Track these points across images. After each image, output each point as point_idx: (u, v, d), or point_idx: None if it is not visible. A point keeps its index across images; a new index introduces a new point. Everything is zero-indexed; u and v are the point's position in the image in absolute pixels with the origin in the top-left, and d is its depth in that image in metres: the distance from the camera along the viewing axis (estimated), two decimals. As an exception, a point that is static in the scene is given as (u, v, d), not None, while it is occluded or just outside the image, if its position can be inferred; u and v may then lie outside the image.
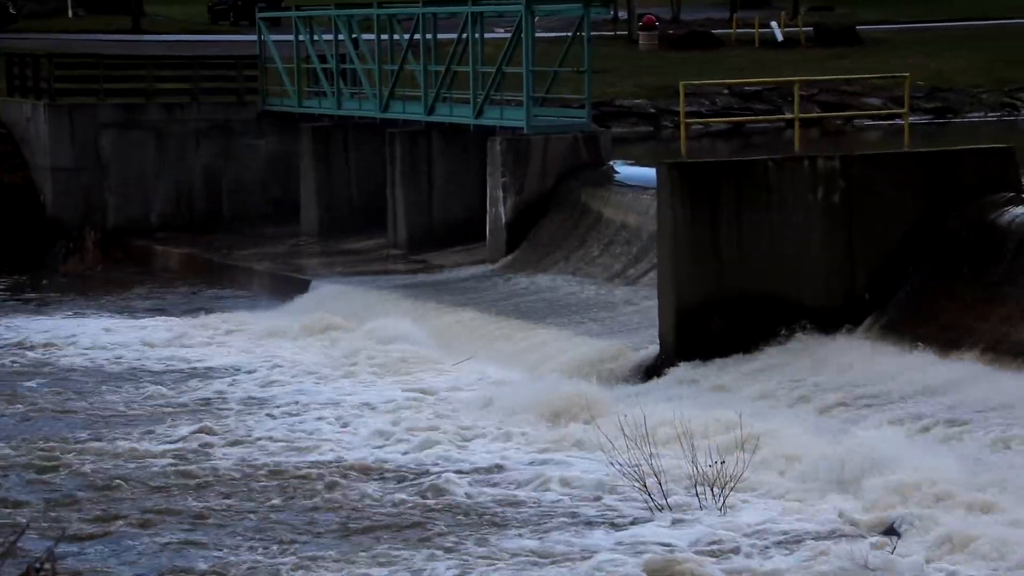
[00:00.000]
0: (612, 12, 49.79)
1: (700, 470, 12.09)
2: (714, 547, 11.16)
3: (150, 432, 15.14)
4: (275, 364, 18.40)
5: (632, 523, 11.81)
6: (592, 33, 23.16)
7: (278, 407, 16.17)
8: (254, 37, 30.56)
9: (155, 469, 13.77)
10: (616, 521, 11.90)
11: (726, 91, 35.94)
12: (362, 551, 11.34)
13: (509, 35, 24.02)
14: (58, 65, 28.62)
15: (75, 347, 19.89)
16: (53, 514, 12.26)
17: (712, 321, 16.16)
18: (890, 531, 11.14)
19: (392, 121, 25.49)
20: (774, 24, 46.87)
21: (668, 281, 16.37)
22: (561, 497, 12.59)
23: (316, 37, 28.22)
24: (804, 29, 46.48)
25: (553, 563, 10.98)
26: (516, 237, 22.36)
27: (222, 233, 27.57)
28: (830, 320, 16.25)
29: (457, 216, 24.04)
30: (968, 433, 13.27)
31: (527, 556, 11.12)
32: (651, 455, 12.30)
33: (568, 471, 13.29)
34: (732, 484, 12.00)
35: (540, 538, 11.53)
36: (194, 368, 18.44)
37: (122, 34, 48.72)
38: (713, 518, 11.75)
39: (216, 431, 15.06)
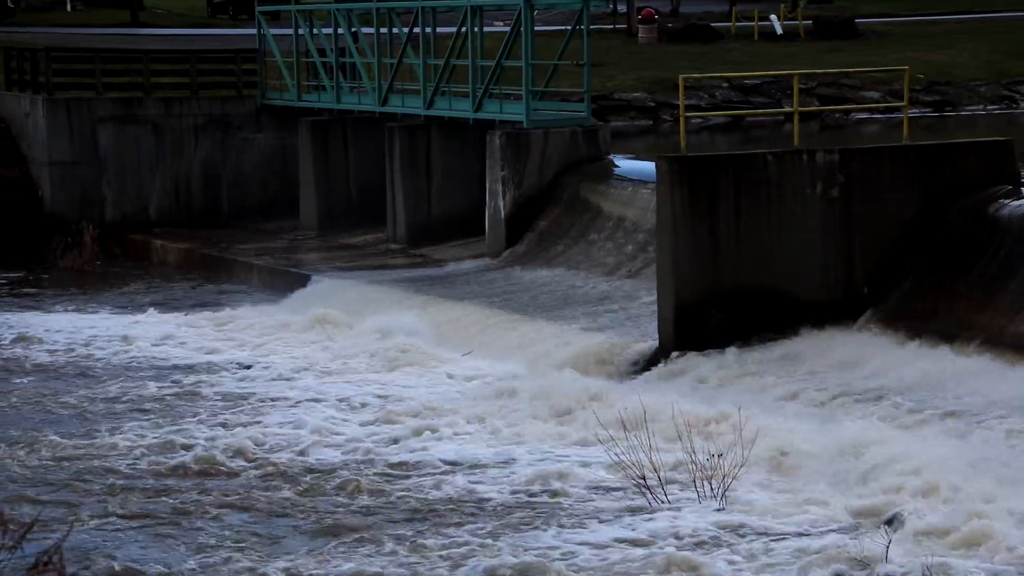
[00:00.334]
0: (611, 5, 49.74)
1: (699, 463, 12.09)
2: (712, 540, 11.17)
3: (152, 427, 15.14)
4: (274, 359, 18.39)
5: (631, 516, 11.81)
6: (591, 26, 23.15)
7: (277, 402, 16.16)
8: (253, 31, 30.53)
9: (156, 464, 13.76)
10: (615, 514, 11.90)
11: (725, 84, 35.93)
12: (360, 547, 11.34)
13: (508, 29, 24.00)
14: (56, 59, 28.59)
15: (74, 342, 19.88)
16: (59, 509, 12.25)
17: (711, 315, 16.16)
18: (888, 523, 11.15)
19: (391, 115, 25.48)
20: (773, 17, 46.85)
21: (667, 275, 16.37)
22: (560, 490, 12.59)
23: (315, 31, 28.20)
24: (803, 22, 46.45)
25: (550, 556, 10.97)
26: (516, 231, 22.36)
27: (220, 228, 27.55)
28: (829, 314, 16.25)
29: (456, 210, 24.04)
30: (967, 426, 13.28)
31: (523, 549, 11.12)
32: (650, 448, 12.30)
33: (567, 464, 13.29)
34: (731, 477, 12.00)
35: (538, 531, 11.53)
36: (193, 363, 18.42)
37: (121, 28, 48.68)
38: (711, 511, 11.76)
39: (216, 426, 15.05)
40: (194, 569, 10.91)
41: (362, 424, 15.04)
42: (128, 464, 13.73)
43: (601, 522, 11.74)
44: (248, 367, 17.96)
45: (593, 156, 22.79)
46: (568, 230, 21.76)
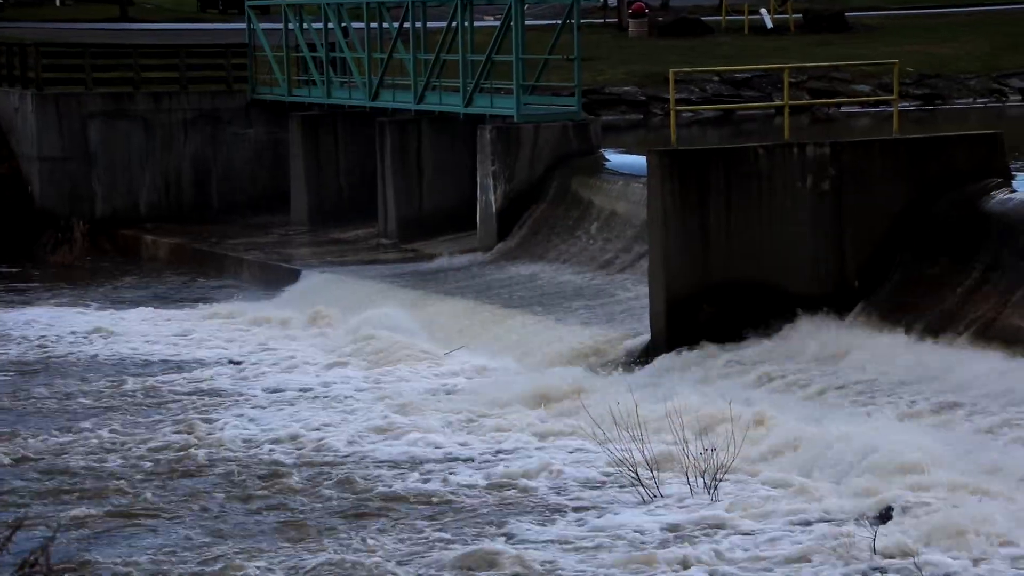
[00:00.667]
0: (601, 0, 49.69)
1: (691, 457, 12.11)
2: (704, 533, 11.18)
3: (140, 424, 15.13)
4: (265, 354, 18.38)
5: (623, 510, 11.82)
6: (582, 21, 23.13)
7: (268, 397, 16.16)
8: (243, 25, 30.47)
9: (146, 461, 13.75)
10: (608, 508, 11.91)
11: (716, 78, 35.93)
12: (356, 541, 11.33)
13: (498, 23, 23.98)
14: (45, 54, 28.51)
15: (64, 338, 19.85)
16: (46, 508, 12.22)
17: (702, 308, 16.17)
18: (881, 516, 11.17)
19: (382, 110, 25.45)
20: (763, 11, 46.85)
21: (658, 269, 16.37)
22: (553, 485, 12.60)
23: (305, 25, 28.15)
24: (793, 16, 46.45)
25: (545, 551, 10.98)
26: (506, 225, 22.35)
27: (211, 223, 27.52)
28: (820, 307, 16.27)
29: (447, 205, 24.02)
30: (958, 418, 13.32)
31: (519, 543, 11.13)
32: (642, 443, 12.31)
33: (560, 459, 13.30)
34: (723, 471, 12.02)
35: (533, 526, 11.53)
36: (183, 358, 18.41)
37: (110, 23, 48.55)
38: (704, 505, 11.77)
39: (205, 422, 15.04)
40: (182, 566, 10.90)
41: (351, 419, 15.03)
42: (114, 461, 13.70)
43: (592, 516, 11.74)
44: (238, 363, 17.94)
45: (584, 150, 22.78)
46: (559, 224, 21.76)
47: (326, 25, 27.09)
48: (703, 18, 46.58)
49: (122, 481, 13.06)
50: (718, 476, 11.99)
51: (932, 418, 13.40)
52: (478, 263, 21.89)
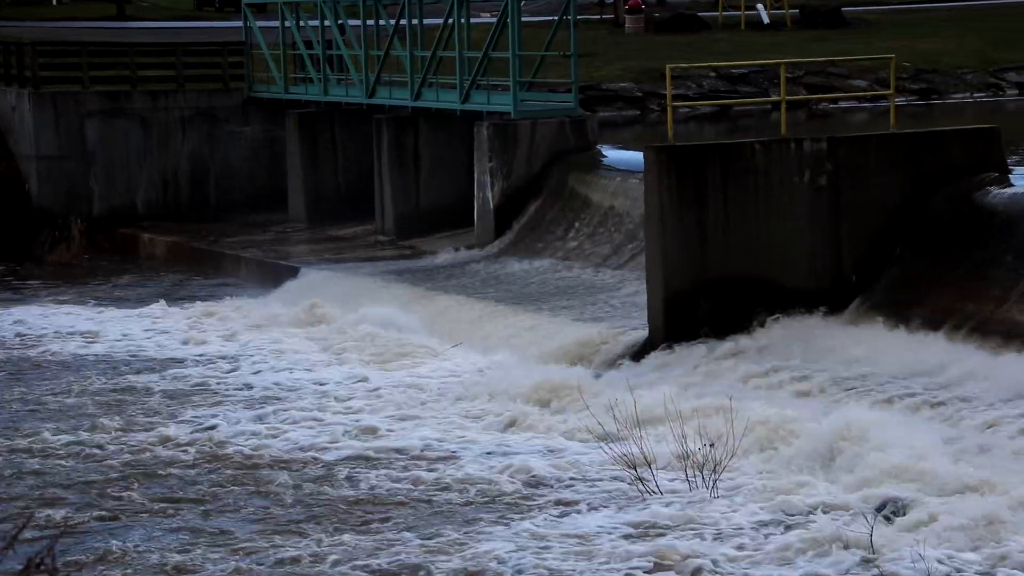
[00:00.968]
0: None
1: (690, 453, 12.12)
2: (704, 529, 11.19)
3: (137, 422, 15.13)
4: (263, 351, 18.38)
5: (622, 506, 11.83)
6: (578, 17, 23.13)
7: (266, 394, 16.16)
8: (240, 23, 30.46)
9: (144, 459, 13.76)
10: (606, 505, 11.92)
11: (713, 74, 35.91)
12: (354, 538, 11.34)
13: (495, 20, 23.97)
14: (42, 53, 28.50)
15: (62, 337, 19.85)
16: (51, 508, 12.22)
17: (700, 304, 16.18)
18: (878, 511, 11.18)
19: (379, 107, 25.45)
20: (760, 6, 46.83)
21: (656, 265, 16.38)
22: (551, 481, 12.61)
23: (302, 23, 28.14)
24: (790, 11, 46.43)
25: (543, 547, 10.99)
26: (504, 222, 22.36)
27: (208, 221, 27.51)
28: (817, 302, 16.28)
29: (445, 201, 24.03)
30: (955, 413, 13.33)
31: (516, 539, 11.14)
32: (641, 439, 12.32)
33: (558, 455, 13.31)
34: (722, 466, 12.03)
35: (531, 521, 11.55)
36: (181, 356, 18.41)
37: (107, 21, 48.51)
38: (703, 500, 11.78)
39: (202, 420, 15.05)
40: (189, 563, 10.91)
41: (350, 415, 15.05)
42: (112, 460, 13.70)
43: (591, 511, 11.76)
44: (236, 359, 17.94)
45: (581, 146, 22.79)
46: (556, 220, 21.77)
47: (323, 22, 27.08)
48: (699, 14, 46.54)
49: (120, 480, 13.06)
50: (717, 471, 12.00)
51: (930, 413, 13.41)
52: (475, 259, 21.90)
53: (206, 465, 13.49)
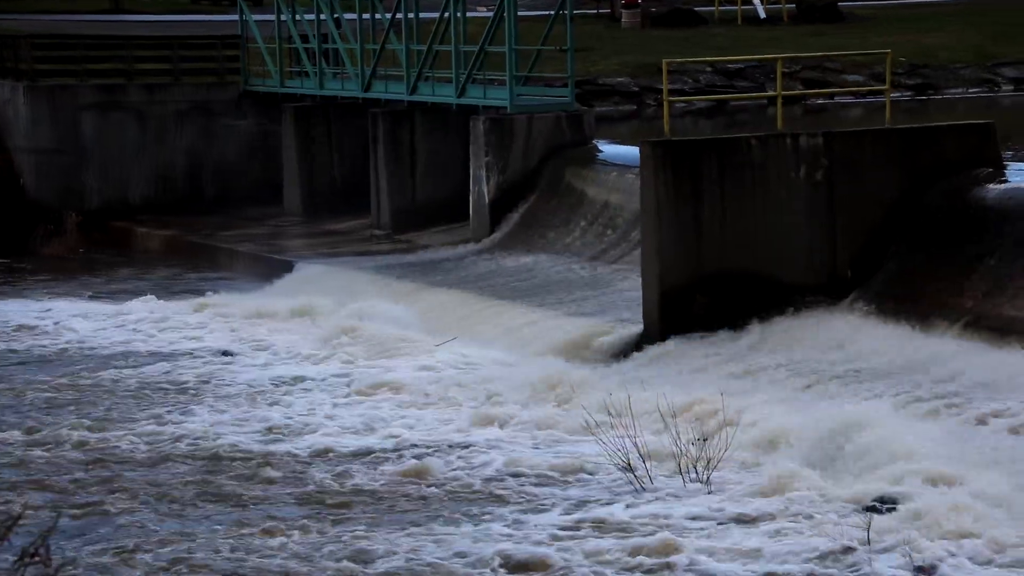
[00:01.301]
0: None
1: (684, 448, 12.12)
2: (698, 525, 11.20)
3: (131, 415, 15.12)
4: (258, 346, 18.37)
5: (616, 502, 11.83)
6: (574, 11, 23.13)
7: (261, 389, 16.16)
8: (235, 17, 30.43)
9: (140, 453, 13.75)
10: (600, 500, 11.92)
11: (709, 69, 35.92)
12: (343, 533, 11.34)
13: (491, 14, 23.96)
14: (37, 46, 28.47)
15: (57, 330, 19.84)
16: (44, 500, 12.22)
17: (696, 299, 16.18)
18: (873, 507, 11.19)
19: (374, 101, 25.43)
20: (756, 1, 46.82)
21: (652, 259, 16.38)
22: (545, 477, 12.61)
23: (298, 17, 28.12)
24: (786, 6, 46.43)
25: (537, 543, 11.00)
26: (500, 216, 22.36)
27: (204, 214, 27.49)
28: (813, 297, 16.29)
29: (440, 196, 24.02)
30: (950, 408, 13.34)
31: (510, 535, 11.14)
32: (635, 434, 12.32)
33: (552, 451, 13.32)
34: (716, 462, 12.04)
35: (524, 517, 11.55)
36: (176, 350, 18.39)
37: (103, 14, 48.44)
38: (697, 496, 11.79)
39: (195, 413, 15.04)
40: (182, 557, 10.92)
41: (344, 410, 15.04)
42: (107, 453, 13.69)
43: (584, 506, 11.76)
44: (230, 354, 17.94)
45: (577, 141, 22.79)
46: (552, 215, 21.77)
47: (318, 16, 27.06)
48: (696, 8, 46.54)
49: (114, 473, 13.05)
50: (711, 466, 12.01)
51: (925, 408, 13.42)
52: (471, 254, 21.90)
53: (196, 459, 13.47)
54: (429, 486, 12.47)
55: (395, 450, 13.58)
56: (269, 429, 14.39)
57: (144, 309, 21.03)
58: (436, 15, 24.56)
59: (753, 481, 12.10)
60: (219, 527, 11.54)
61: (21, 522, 9.67)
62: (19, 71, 28.26)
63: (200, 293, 21.95)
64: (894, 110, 17.92)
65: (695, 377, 14.94)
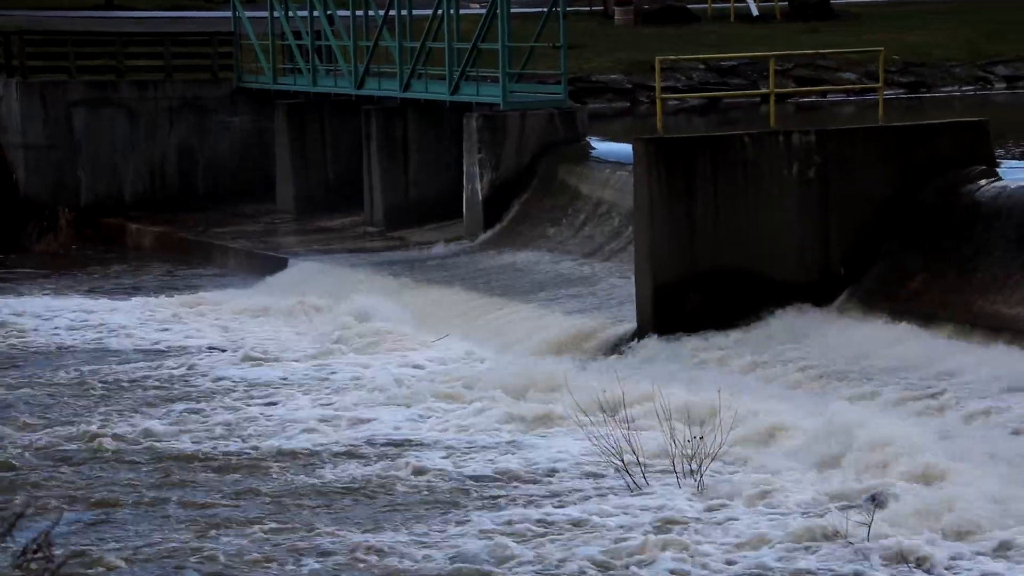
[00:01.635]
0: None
1: (678, 446, 12.12)
2: (691, 521, 11.21)
3: (124, 411, 15.10)
4: (251, 343, 18.35)
5: (610, 499, 11.84)
6: (567, 8, 23.11)
7: (254, 386, 16.14)
8: (228, 14, 30.38)
9: (135, 448, 13.73)
10: (594, 498, 11.93)
11: (702, 66, 35.91)
12: (334, 529, 11.34)
13: (484, 11, 23.94)
14: (29, 42, 28.39)
15: (49, 327, 19.80)
16: (43, 497, 12.20)
17: (689, 296, 16.19)
18: (867, 504, 11.20)
19: (368, 98, 25.41)
20: (749, -1, 46.79)
21: (644, 257, 16.39)
22: (538, 473, 12.61)
23: (291, 13, 28.08)
24: (779, 4, 46.44)
25: (530, 540, 11.00)
26: (493, 214, 22.35)
27: (197, 211, 27.45)
28: (806, 295, 16.30)
29: (434, 193, 24.01)
30: (943, 406, 13.36)
31: (503, 532, 11.14)
32: (629, 430, 12.32)
33: (546, 448, 13.32)
34: (710, 458, 12.04)
35: (518, 515, 11.55)
36: (168, 347, 18.37)
37: (95, 10, 48.34)
38: (691, 493, 11.80)
39: (189, 410, 15.03)
40: (183, 551, 10.91)
41: (335, 407, 15.04)
42: (104, 449, 13.68)
43: (577, 504, 11.76)
44: (222, 350, 17.92)
45: (570, 138, 22.78)
46: (546, 212, 21.77)
47: (311, 13, 27.03)
48: (689, 6, 46.54)
49: (111, 470, 13.04)
50: (705, 464, 12.01)
51: (918, 405, 13.44)
52: (464, 251, 21.89)
53: (190, 456, 13.45)
54: (416, 483, 12.46)
55: (384, 447, 13.57)
56: (261, 427, 14.37)
57: (135, 305, 21.01)
58: (429, 12, 24.54)
59: (747, 478, 12.11)
60: (181, 524, 11.53)
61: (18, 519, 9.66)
62: (11, 67, 28.18)
63: (193, 289, 21.93)
64: (887, 108, 17.92)
65: (688, 374, 14.95)
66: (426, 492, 12.26)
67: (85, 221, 27.25)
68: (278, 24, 28.17)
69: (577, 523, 11.29)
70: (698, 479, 11.96)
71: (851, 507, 11.15)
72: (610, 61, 37.10)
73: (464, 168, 22.78)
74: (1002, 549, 10.38)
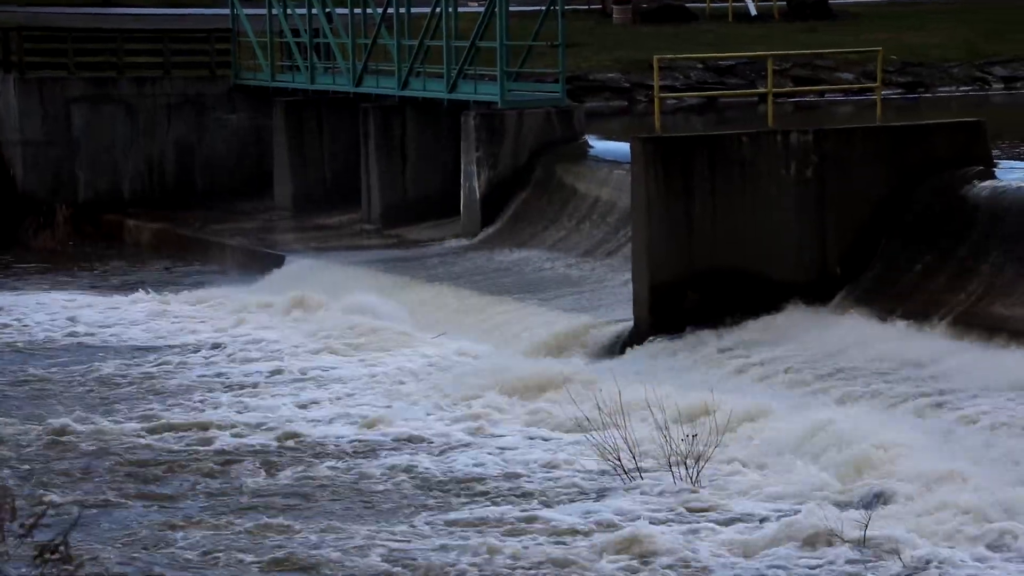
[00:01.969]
0: (586, -14, 49.52)
1: (674, 445, 12.14)
2: (686, 520, 11.22)
3: (122, 409, 15.11)
4: (248, 340, 18.36)
5: (606, 497, 11.85)
6: (566, 7, 23.13)
7: (251, 383, 16.15)
8: (226, 11, 30.37)
9: (135, 445, 13.74)
10: (590, 495, 11.94)
11: (700, 65, 35.93)
12: (327, 527, 11.35)
13: (483, 9, 23.95)
14: (28, 38, 28.38)
15: (48, 323, 19.80)
16: (59, 497, 12.20)
17: (686, 295, 16.21)
18: (862, 504, 11.22)
19: (366, 96, 25.41)
20: (747, -2, 46.81)
21: (642, 256, 16.40)
22: (535, 472, 12.63)
23: (289, 11, 28.08)
24: (777, 3, 46.45)
25: (525, 537, 11.02)
26: (490, 212, 22.36)
27: (194, 208, 27.45)
28: (803, 294, 16.32)
29: (431, 191, 24.02)
30: (939, 406, 13.36)
31: (498, 530, 11.16)
32: (625, 429, 12.34)
33: (542, 446, 13.33)
34: (705, 458, 12.06)
35: (513, 512, 11.57)
36: (167, 344, 18.38)
37: (94, 7, 48.30)
38: (686, 492, 11.81)
39: (185, 406, 15.04)
40: (187, 551, 10.93)
41: (332, 404, 15.05)
42: (104, 447, 13.69)
43: (573, 502, 11.78)
44: (221, 347, 17.92)
45: (568, 137, 22.79)
46: (543, 211, 21.78)
47: (310, 10, 27.03)
48: (687, 5, 46.55)
49: (110, 468, 13.05)
50: (701, 463, 12.03)
51: (914, 405, 13.45)
52: (461, 249, 21.91)
53: (179, 452, 13.45)
54: (411, 482, 12.47)
55: (381, 445, 13.57)
56: (257, 424, 14.38)
57: (132, 302, 21.02)
58: (428, 10, 24.55)
59: (742, 477, 12.13)
60: (229, 520, 11.54)
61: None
62: (9, 63, 28.16)
63: (190, 286, 21.94)
64: (885, 108, 17.95)
65: (685, 374, 14.96)
66: (418, 490, 12.27)
67: (83, 218, 27.24)
68: (276, 21, 28.17)
69: (571, 521, 11.29)
70: (694, 478, 11.98)
71: (847, 507, 11.17)
72: (608, 60, 37.11)
73: (462, 166, 22.78)
74: (998, 550, 10.39)
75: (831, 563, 10.33)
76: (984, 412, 13.06)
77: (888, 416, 12.98)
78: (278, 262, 22.21)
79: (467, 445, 13.49)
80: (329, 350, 17.55)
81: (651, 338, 16.02)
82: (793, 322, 15.97)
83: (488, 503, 11.87)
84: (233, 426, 14.27)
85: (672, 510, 11.44)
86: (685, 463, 12.05)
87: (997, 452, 12.03)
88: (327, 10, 27.04)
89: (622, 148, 19.42)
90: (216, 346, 18.04)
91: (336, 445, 13.65)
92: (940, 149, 16.91)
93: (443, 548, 10.76)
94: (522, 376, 15.14)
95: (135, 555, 10.68)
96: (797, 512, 11.20)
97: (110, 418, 14.64)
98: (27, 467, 13.05)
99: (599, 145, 22.81)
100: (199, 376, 16.58)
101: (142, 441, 13.84)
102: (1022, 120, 30.37)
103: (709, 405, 13.03)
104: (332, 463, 13.05)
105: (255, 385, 16.03)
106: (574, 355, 16.10)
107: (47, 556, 6.35)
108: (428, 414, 14.55)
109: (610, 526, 11.13)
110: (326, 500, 12.09)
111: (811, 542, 10.63)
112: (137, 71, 28.50)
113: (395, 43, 24.75)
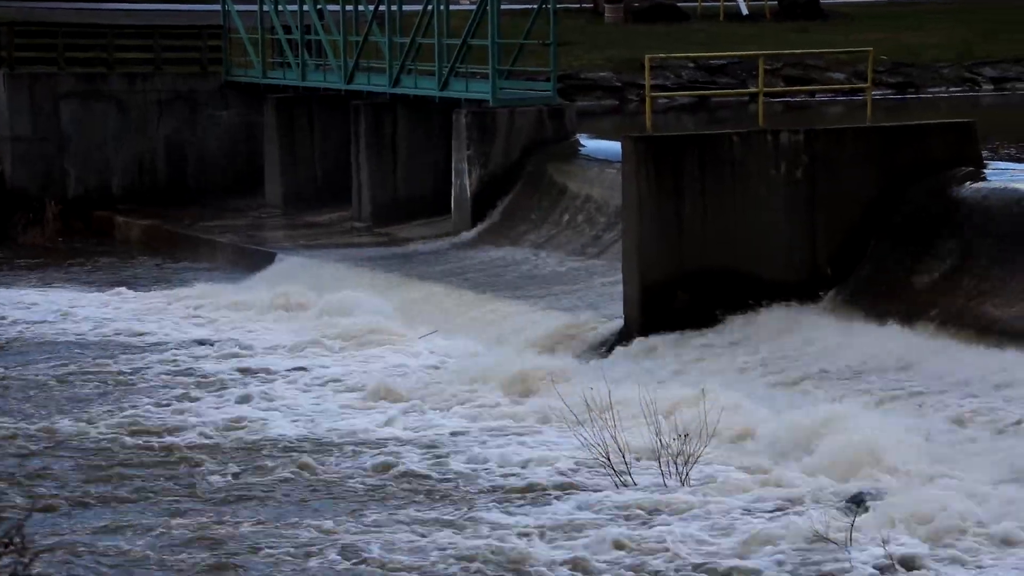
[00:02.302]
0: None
1: (664, 444, 12.15)
2: (677, 520, 11.23)
3: (107, 404, 15.08)
4: (238, 337, 18.35)
5: (595, 497, 11.86)
6: (558, 5, 23.13)
7: (241, 380, 16.13)
8: (218, 7, 30.33)
9: (119, 441, 13.72)
10: (579, 494, 11.95)
11: (691, 64, 35.95)
12: (319, 525, 11.34)
13: (474, 7, 23.94)
14: (17, 34, 28.33)
15: (35, 320, 19.76)
16: (20, 489, 12.19)
17: (677, 295, 16.22)
18: (852, 504, 11.24)
19: (357, 93, 25.40)
20: (739, -3, 46.85)
21: (632, 255, 16.41)
22: (524, 470, 12.63)
23: (280, 8, 28.05)
24: (769, 3, 46.50)
25: (516, 535, 11.02)
26: (481, 210, 22.37)
27: (185, 205, 27.42)
28: (793, 294, 16.34)
29: (422, 189, 24.02)
30: (928, 406, 13.39)
31: (491, 528, 11.16)
32: (615, 428, 12.35)
33: (532, 445, 13.33)
34: (695, 457, 12.07)
35: (504, 511, 11.57)
36: (155, 342, 18.35)
37: (84, 2, 48.18)
38: (676, 490, 11.82)
39: (175, 404, 15.02)
40: (151, 547, 10.92)
41: (322, 402, 15.04)
42: (84, 442, 13.65)
43: (563, 501, 11.78)
44: (207, 343, 17.90)
45: (559, 135, 22.80)
46: (534, 209, 21.79)
47: (301, 7, 27.00)
48: (679, 4, 46.59)
49: (88, 463, 13.02)
50: (690, 462, 12.04)
51: (904, 405, 13.48)
52: (452, 247, 21.91)
53: (171, 451, 13.43)
54: (400, 480, 12.46)
55: (365, 443, 13.56)
56: (246, 421, 14.36)
57: (122, 299, 20.99)
58: (419, 8, 24.53)
59: (732, 476, 12.14)
60: (197, 518, 11.53)
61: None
62: (-1, 58, 28.13)
63: (180, 283, 21.91)
64: (875, 108, 17.97)
65: (675, 373, 14.98)
66: (407, 489, 12.26)
67: (73, 214, 27.20)
68: (267, 18, 28.13)
69: (561, 520, 11.30)
70: (683, 476, 11.99)
71: (834, 507, 11.19)
72: (600, 59, 37.12)
73: (453, 164, 22.78)
74: (987, 549, 10.42)
75: (819, 562, 10.34)
76: (974, 412, 13.09)
77: (877, 415, 13.00)
78: (268, 259, 22.20)
79: (455, 443, 13.49)
80: (317, 348, 17.53)
81: (641, 337, 16.03)
82: (784, 322, 15.99)
83: (475, 500, 11.86)
84: (219, 423, 14.25)
85: (662, 509, 11.44)
86: (674, 461, 12.06)
87: (986, 452, 12.06)
88: (318, 7, 27.02)
89: (613, 147, 19.43)
90: (202, 343, 18.02)
91: (323, 443, 13.63)
92: (930, 150, 16.94)
93: (422, 548, 10.74)
94: (511, 374, 15.14)
95: (93, 552, 10.65)
96: (784, 511, 11.22)
97: (84, 417, 14.57)
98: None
99: (590, 144, 22.83)
100: (185, 373, 16.54)
101: (112, 439, 13.79)
102: (1011, 121, 30.43)
103: (699, 404, 13.04)
104: (317, 461, 13.02)
105: (241, 383, 16.00)
106: (564, 353, 16.11)
107: (2, 549, 6.34)
108: (417, 412, 14.54)
109: (598, 525, 11.14)
110: (312, 499, 12.07)
111: (799, 541, 10.63)
112: (128, 67, 28.45)
113: (386, 40, 24.73)
